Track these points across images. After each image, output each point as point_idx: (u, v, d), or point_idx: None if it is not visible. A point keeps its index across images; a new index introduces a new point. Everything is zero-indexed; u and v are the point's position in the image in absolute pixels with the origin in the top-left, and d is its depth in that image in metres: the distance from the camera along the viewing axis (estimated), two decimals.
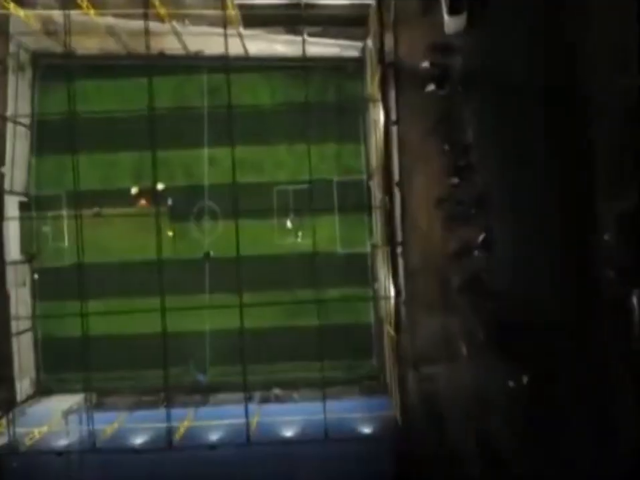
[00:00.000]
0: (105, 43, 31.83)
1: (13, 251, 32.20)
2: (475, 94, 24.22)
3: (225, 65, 27.80)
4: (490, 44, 23.62)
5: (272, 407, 30.23)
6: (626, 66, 19.23)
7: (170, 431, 27.01)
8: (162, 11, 28.53)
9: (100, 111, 31.19)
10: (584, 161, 20.42)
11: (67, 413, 29.84)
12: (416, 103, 26.31)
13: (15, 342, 31.24)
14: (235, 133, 28.05)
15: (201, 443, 27.14)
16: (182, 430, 27.82)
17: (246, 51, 32.10)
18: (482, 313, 23.57)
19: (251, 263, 29.06)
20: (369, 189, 33.10)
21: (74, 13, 27.86)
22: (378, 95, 27.81)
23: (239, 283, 27.27)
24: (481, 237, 23.87)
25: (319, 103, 31.60)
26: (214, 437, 27.36)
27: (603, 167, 19.93)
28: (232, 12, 28.13)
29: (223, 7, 27.18)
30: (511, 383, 22.42)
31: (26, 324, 32.65)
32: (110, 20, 30.14)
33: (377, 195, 30.89)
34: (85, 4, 27.86)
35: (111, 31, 30.71)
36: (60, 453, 26.86)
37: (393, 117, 26.93)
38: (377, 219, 31.71)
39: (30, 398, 32.17)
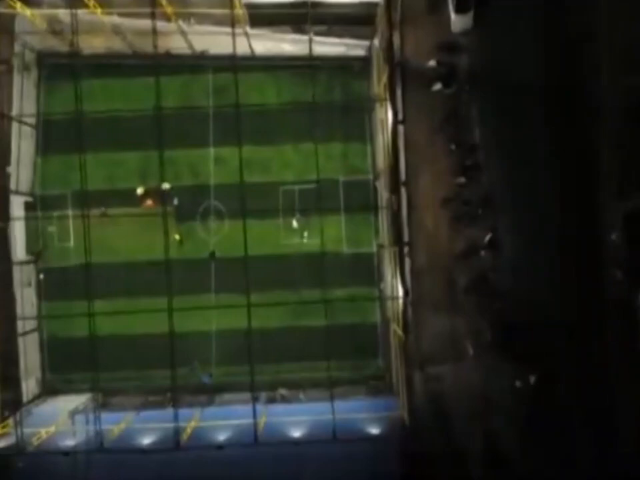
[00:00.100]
0: (110, 42, 31.81)
1: (19, 251, 32.24)
2: (482, 93, 24.18)
3: (232, 64, 27.77)
4: (497, 43, 23.57)
5: (278, 407, 30.19)
6: (632, 65, 19.22)
7: (177, 431, 27.00)
8: (169, 9, 28.48)
9: (105, 110, 31.06)
10: (591, 160, 20.39)
11: (73, 413, 29.86)
12: (422, 102, 26.29)
13: (20, 342, 31.27)
14: (241, 132, 28.02)
15: (209, 443, 27.11)
16: (189, 430, 27.80)
17: (252, 50, 32.06)
18: (488, 312, 23.53)
19: (257, 263, 28.99)
20: (375, 188, 33.06)
21: (79, 12, 27.79)
22: (385, 94, 27.75)
23: (246, 283, 27.20)
24: (487, 237, 23.84)
25: (325, 102, 31.56)
26: (221, 437, 27.35)
27: (610, 167, 19.89)
28: (239, 11, 28.08)
29: (231, 6, 27.12)
30: (518, 383, 22.39)
31: (32, 324, 32.66)
32: (115, 19, 30.14)
33: (383, 194, 30.86)
34: (91, 3, 27.81)
35: (116, 30, 30.69)
36: (67, 453, 26.88)
37: (400, 116, 26.89)
38: (383, 219, 31.69)
39: (36, 398, 32.21)
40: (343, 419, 26.86)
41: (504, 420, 23.01)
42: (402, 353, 27.39)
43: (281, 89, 33.40)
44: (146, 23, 28.39)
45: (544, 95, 21.99)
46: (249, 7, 28.52)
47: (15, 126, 31.83)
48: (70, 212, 32.91)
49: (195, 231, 33.37)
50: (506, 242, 23.45)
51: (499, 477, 23.04)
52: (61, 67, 32.35)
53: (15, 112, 31.72)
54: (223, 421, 28.38)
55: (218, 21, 29.87)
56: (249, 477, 26.01)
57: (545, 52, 21.78)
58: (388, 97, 27.27)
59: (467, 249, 24.67)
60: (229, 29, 27.51)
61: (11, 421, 28.90)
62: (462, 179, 24.80)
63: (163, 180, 30.16)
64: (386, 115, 27.73)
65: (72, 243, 32.97)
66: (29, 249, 33.03)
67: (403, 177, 27.24)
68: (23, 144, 32.52)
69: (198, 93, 33.47)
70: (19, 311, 31.29)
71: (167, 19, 29.31)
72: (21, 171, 32.57)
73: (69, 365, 32.31)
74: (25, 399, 31.17)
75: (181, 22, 30.08)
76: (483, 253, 24.11)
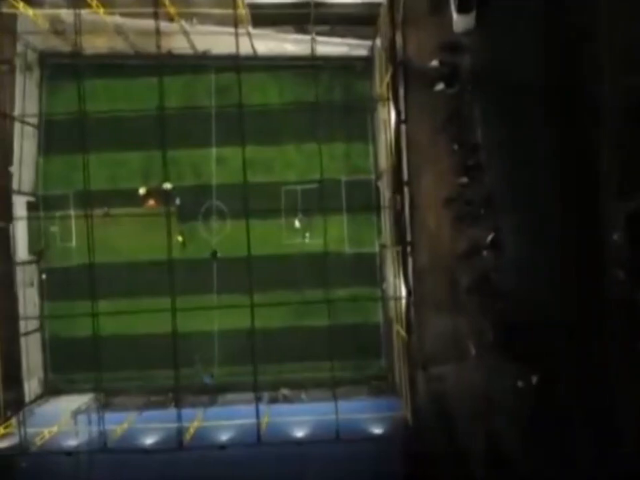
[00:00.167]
0: (112, 42, 31.79)
1: (21, 251, 32.22)
2: (484, 93, 24.23)
3: (234, 64, 27.77)
4: (499, 42, 23.62)
5: (281, 407, 30.13)
6: (632, 65, 19.25)
7: (180, 431, 27.01)
8: (171, 9, 28.49)
9: (108, 110, 31.03)
10: (593, 161, 20.42)
11: (75, 413, 29.88)
12: (425, 102, 26.30)
13: (23, 342, 31.21)
14: (244, 132, 28.01)
15: (211, 443, 27.07)
16: (192, 430, 27.78)
17: (254, 50, 32.06)
18: (491, 312, 23.56)
19: (259, 263, 28.94)
20: (377, 188, 33.04)
21: (82, 12, 27.75)
22: (388, 94, 27.75)
23: (250, 283, 27.23)
24: (489, 237, 23.87)
25: (327, 102, 31.59)
26: (224, 437, 27.31)
27: (612, 167, 19.91)
28: (242, 11, 28.08)
29: (234, 6, 27.12)
30: (520, 383, 22.41)
31: (34, 324, 32.66)
32: (118, 19, 30.12)
33: (386, 194, 30.85)
34: (94, 3, 27.81)
35: (119, 30, 30.68)
36: (70, 453, 26.86)
37: (402, 116, 26.88)
38: (386, 219, 31.68)
39: (38, 398, 32.19)
40: (346, 419, 26.83)
41: (506, 420, 23.03)
42: (404, 353, 27.39)
43: (284, 89, 33.37)
44: (148, 23, 28.42)
45: (545, 95, 22.05)
46: (252, 6, 28.48)
47: (17, 126, 31.80)
48: (72, 212, 32.88)
49: (197, 231, 33.34)
50: (508, 242, 23.48)
51: (501, 477, 23.07)
52: (64, 67, 32.33)
53: (17, 112, 31.69)
54: (225, 421, 28.34)
55: (220, 21, 29.89)
56: (252, 477, 25.95)
57: (546, 52, 21.85)
58: (390, 96, 27.26)
59: (469, 249, 24.70)
60: (231, 29, 27.54)
61: (13, 421, 28.85)
62: (464, 179, 24.83)
63: (165, 180, 30.13)
64: (388, 115, 27.72)
65: (74, 243, 32.97)
66: (31, 249, 33.01)
67: (405, 176, 27.21)
68: (25, 144, 32.51)
69: (200, 93, 33.45)
70: (21, 311, 31.27)
71: (170, 19, 29.33)
72: (23, 171, 32.54)
73: (71, 365, 32.31)
74: (27, 399, 31.15)
75: (183, 22, 30.09)
76: (485, 252, 24.12)
